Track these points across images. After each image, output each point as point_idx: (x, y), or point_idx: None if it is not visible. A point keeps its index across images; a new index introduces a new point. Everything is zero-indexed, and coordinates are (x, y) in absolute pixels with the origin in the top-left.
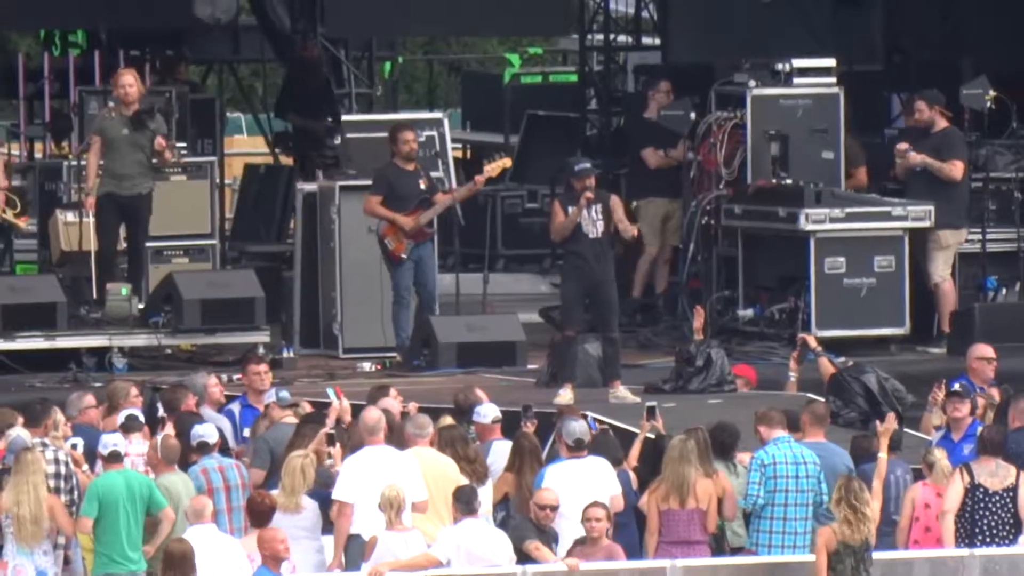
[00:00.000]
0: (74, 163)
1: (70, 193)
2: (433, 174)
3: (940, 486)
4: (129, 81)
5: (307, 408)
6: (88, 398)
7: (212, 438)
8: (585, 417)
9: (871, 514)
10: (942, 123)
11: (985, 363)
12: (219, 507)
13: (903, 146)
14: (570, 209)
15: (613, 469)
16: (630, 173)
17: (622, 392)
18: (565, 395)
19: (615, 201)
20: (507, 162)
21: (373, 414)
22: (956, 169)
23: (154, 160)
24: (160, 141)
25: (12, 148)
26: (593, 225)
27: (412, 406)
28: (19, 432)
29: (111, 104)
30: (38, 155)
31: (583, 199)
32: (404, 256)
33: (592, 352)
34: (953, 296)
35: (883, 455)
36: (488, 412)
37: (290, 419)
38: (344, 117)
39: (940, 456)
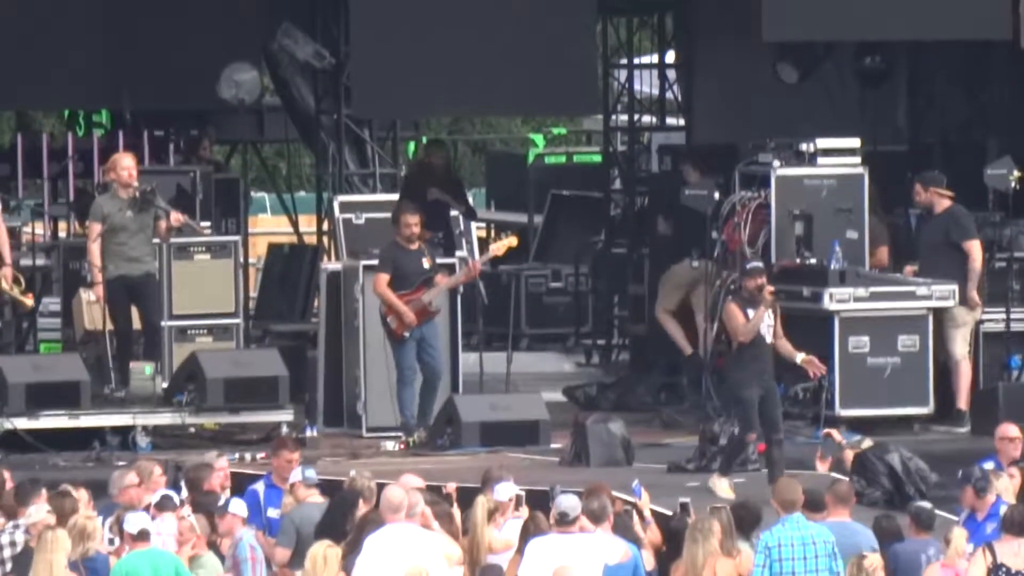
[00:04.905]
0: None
1: (93, 273)
2: (458, 253)
3: (957, 567)
4: (131, 164)
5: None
6: (130, 476)
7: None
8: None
9: None
10: (944, 203)
11: (1008, 442)
12: None
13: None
14: (750, 312)
15: (608, 549)
16: (651, 252)
17: (725, 484)
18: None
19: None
20: (513, 241)
21: (396, 492)
22: (974, 249)
23: (155, 239)
24: (177, 216)
25: (36, 227)
26: (768, 331)
27: (451, 487)
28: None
29: (110, 189)
30: (62, 234)
31: (767, 294)
32: (406, 335)
33: (615, 432)
34: (970, 375)
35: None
36: (504, 491)
37: (315, 498)
38: (347, 198)
39: (957, 535)
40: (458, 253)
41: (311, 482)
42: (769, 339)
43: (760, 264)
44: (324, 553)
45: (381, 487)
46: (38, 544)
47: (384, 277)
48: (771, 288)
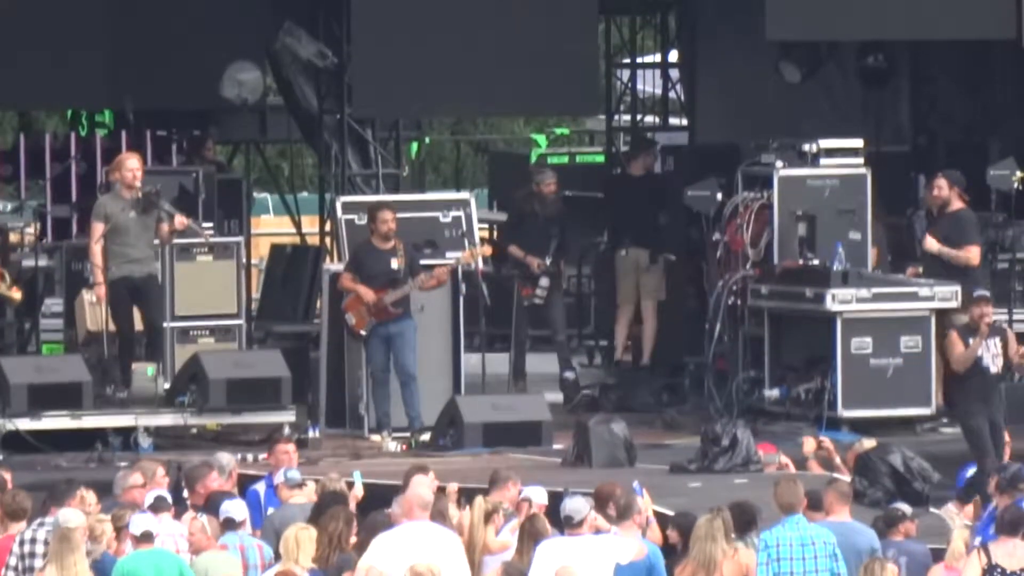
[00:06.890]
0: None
1: (95, 273)
2: (454, 254)
3: (956, 567)
4: (136, 165)
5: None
6: (134, 477)
7: (238, 516)
8: None
9: None
10: (957, 204)
11: None
12: None
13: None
14: (970, 340)
15: (618, 548)
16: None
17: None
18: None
19: (1011, 336)
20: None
21: (424, 490)
22: (972, 254)
23: (156, 241)
24: (181, 220)
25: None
26: (993, 361)
27: (452, 487)
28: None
29: (114, 189)
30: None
31: (983, 326)
32: (364, 332)
33: (617, 432)
34: None
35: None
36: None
37: (298, 499)
38: (350, 198)
39: (957, 536)
40: (452, 254)
41: (294, 483)
42: (994, 369)
43: (986, 293)
44: (296, 535)
45: (380, 487)
46: (61, 546)
47: (346, 275)
48: (988, 320)
